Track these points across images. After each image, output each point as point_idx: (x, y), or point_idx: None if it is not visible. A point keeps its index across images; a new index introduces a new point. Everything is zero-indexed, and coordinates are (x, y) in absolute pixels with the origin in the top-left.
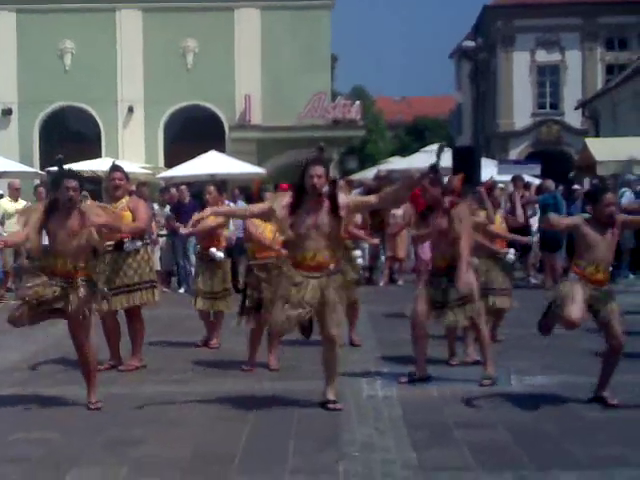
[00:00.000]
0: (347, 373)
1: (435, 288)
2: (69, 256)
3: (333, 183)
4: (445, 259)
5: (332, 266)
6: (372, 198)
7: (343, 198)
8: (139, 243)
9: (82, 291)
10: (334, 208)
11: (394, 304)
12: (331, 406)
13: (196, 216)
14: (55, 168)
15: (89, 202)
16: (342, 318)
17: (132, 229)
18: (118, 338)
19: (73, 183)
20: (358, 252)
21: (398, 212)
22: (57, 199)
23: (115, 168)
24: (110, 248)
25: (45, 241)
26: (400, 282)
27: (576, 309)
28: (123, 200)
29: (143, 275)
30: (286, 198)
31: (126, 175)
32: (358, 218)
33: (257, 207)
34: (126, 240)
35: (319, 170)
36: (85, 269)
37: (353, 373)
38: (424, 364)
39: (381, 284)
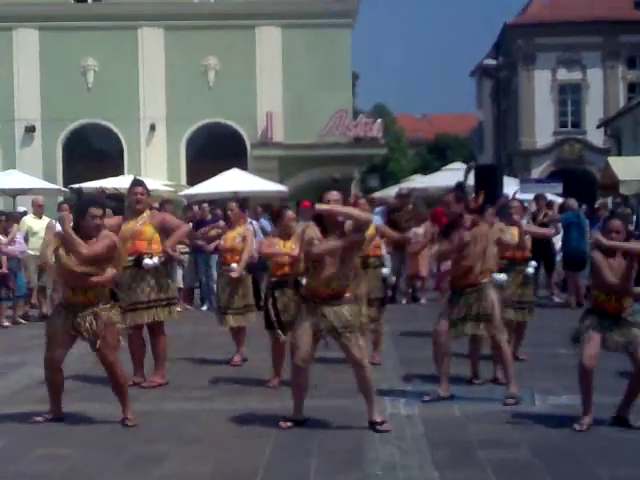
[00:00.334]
0: None
1: (456, 305)
2: (79, 285)
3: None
4: (467, 277)
5: (348, 295)
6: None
7: (347, 224)
8: (157, 260)
9: (100, 318)
10: (342, 234)
11: (416, 322)
12: (380, 427)
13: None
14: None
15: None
16: (363, 340)
17: (179, 237)
18: (143, 355)
19: (99, 212)
20: (386, 270)
21: (419, 230)
22: (80, 226)
23: (137, 183)
24: (131, 263)
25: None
26: (422, 300)
27: (587, 353)
28: (144, 214)
29: (161, 292)
30: (315, 231)
31: (147, 190)
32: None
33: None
34: (145, 256)
35: (334, 196)
36: (107, 293)
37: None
38: (447, 383)
39: (403, 302)
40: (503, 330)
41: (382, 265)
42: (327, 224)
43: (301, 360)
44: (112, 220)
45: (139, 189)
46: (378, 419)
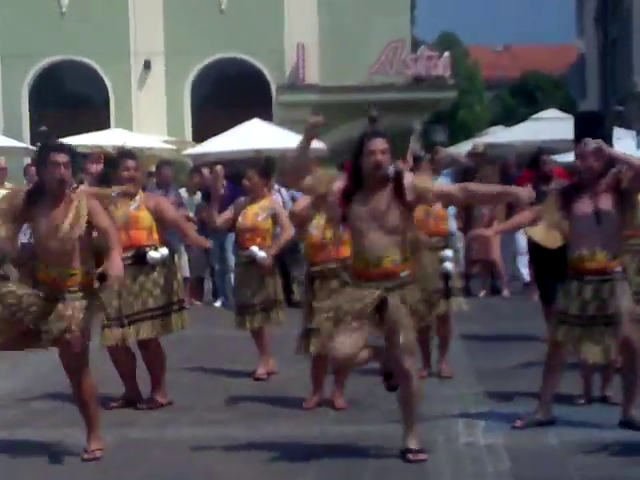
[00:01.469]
0: (437, 414)
1: (577, 299)
2: (52, 259)
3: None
4: (598, 259)
5: (404, 273)
6: (456, 191)
7: (408, 177)
8: (165, 251)
9: (74, 308)
10: (400, 192)
11: (496, 322)
12: (412, 457)
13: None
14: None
15: (83, 187)
16: (414, 343)
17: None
18: (133, 367)
19: (63, 157)
20: (448, 252)
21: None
22: (42, 181)
23: (127, 154)
24: (129, 261)
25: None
26: (505, 293)
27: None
28: (137, 197)
29: (172, 294)
30: (338, 182)
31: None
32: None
33: (301, 203)
34: (148, 249)
35: (381, 144)
36: (80, 277)
37: (445, 414)
38: (550, 404)
39: (480, 295)
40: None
41: (446, 247)
42: (370, 183)
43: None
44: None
45: (131, 163)
46: (413, 446)
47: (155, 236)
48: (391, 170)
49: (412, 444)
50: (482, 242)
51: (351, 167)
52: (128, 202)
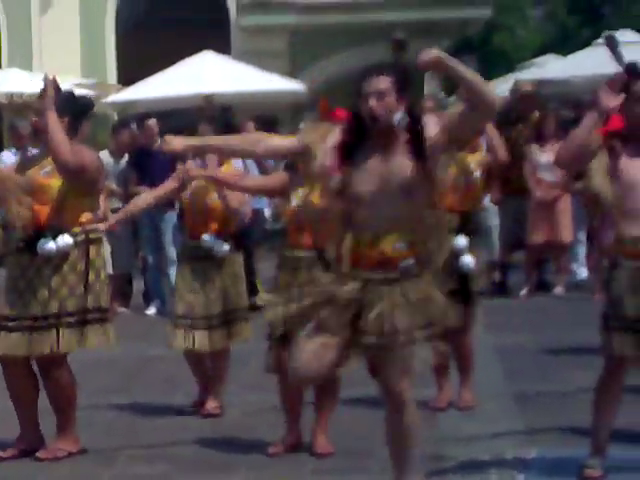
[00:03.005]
0: (460, 459)
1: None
2: None
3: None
4: None
5: (406, 263)
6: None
7: (433, 125)
8: (66, 242)
9: None
10: (418, 150)
11: (544, 331)
12: None
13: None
14: None
15: None
16: (411, 359)
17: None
18: (34, 400)
19: None
20: (461, 240)
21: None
22: None
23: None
24: (20, 244)
25: None
26: (558, 290)
27: None
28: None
29: (86, 297)
30: (334, 135)
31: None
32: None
33: (278, 141)
34: (46, 235)
35: (378, 84)
36: None
37: (471, 460)
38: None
39: (521, 294)
40: None
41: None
42: (375, 135)
43: (303, 375)
44: None
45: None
46: None
47: (67, 215)
48: (398, 117)
49: None
50: (542, 216)
51: (350, 115)
52: (39, 163)
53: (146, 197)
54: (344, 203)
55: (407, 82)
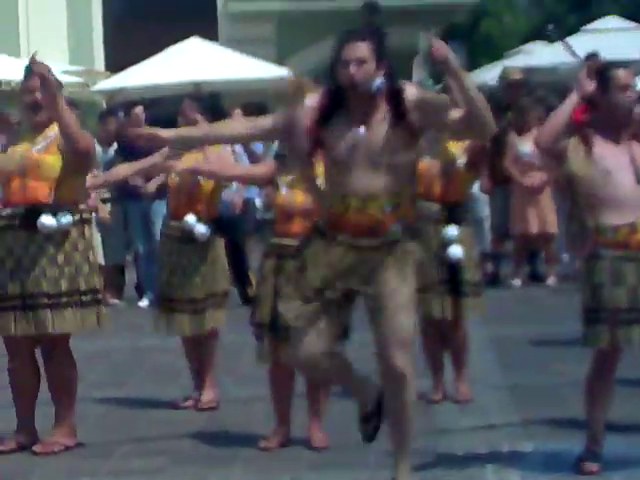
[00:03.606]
0: (455, 453)
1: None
2: None
3: (390, 74)
4: None
5: (396, 226)
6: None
7: (412, 93)
8: (69, 218)
9: None
10: (399, 114)
11: (538, 322)
12: None
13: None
14: None
15: None
16: (411, 328)
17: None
18: (34, 394)
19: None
20: (452, 230)
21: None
22: None
23: (32, 69)
24: (16, 222)
25: None
26: (550, 281)
27: None
28: (49, 130)
29: (79, 279)
30: (313, 98)
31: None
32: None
33: (259, 122)
34: (45, 210)
35: (356, 50)
36: None
37: (466, 453)
38: (602, 435)
39: (514, 283)
40: None
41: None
42: (354, 102)
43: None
44: None
45: (34, 83)
46: None
47: (63, 192)
48: (377, 83)
49: (404, 478)
50: (528, 206)
51: (329, 81)
52: (34, 139)
53: (127, 168)
54: (328, 171)
55: (385, 48)
